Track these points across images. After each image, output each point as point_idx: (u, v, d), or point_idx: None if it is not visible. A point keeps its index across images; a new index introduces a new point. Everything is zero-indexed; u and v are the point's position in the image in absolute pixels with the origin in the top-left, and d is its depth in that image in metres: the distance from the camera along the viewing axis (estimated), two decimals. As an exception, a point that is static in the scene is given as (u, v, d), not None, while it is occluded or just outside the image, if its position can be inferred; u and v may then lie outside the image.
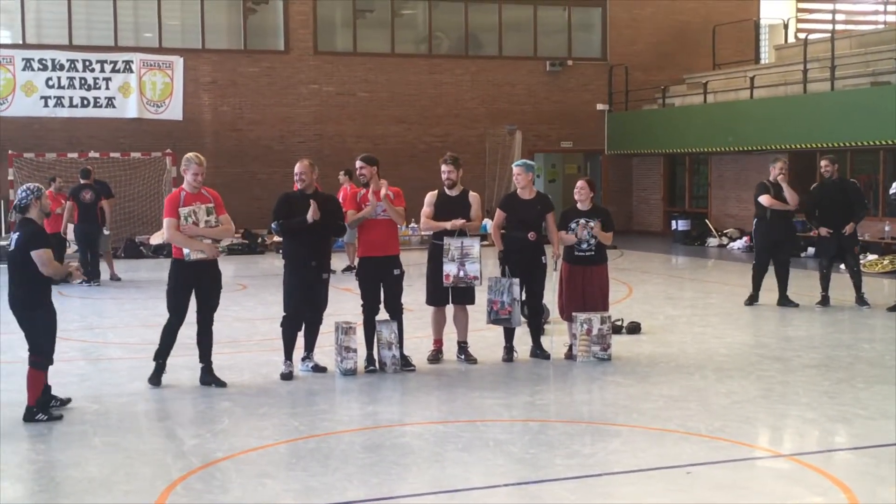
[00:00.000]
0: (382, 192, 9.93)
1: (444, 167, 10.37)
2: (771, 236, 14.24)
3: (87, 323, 13.78)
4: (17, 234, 8.27)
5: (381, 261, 10.07)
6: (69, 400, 8.69)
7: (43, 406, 8.29)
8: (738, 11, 28.85)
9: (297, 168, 9.92)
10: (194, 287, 9.48)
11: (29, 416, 8.22)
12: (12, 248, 8.26)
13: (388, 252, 10.11)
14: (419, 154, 26.42)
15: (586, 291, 10.52)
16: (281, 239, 10.67)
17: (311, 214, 9.63)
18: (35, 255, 8.18)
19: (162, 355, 9.57)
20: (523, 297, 10.64)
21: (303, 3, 26.00)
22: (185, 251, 9.31)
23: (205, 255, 9.35)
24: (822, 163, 14.20)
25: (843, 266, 15.15)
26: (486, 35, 27.99)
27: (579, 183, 10.64)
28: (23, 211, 8.37)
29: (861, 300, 14.01)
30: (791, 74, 23.22)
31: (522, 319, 10.80)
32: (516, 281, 10.32)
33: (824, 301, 14.12)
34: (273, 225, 10.07)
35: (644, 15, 28.89)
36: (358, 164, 10.19)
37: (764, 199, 14.06)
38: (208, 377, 9.59)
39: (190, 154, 9.65)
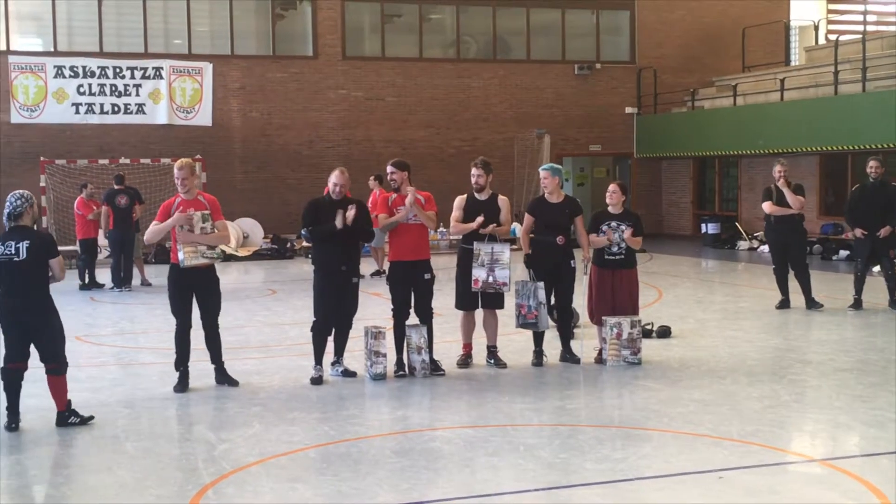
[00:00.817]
0: (409, 199, 9.92)
1: (473, 171, 10.36)
2: (779, 240, 14.21)
3: (119, 328, 13.88)
4: (25, 242, 8.08)
5: (412, 265, 10.07)
6: (91, 417, 8.46)
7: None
8: (768, 13, 28.70)
9: (336, 178, 9.89)
10: (193, 291, 9.56)
11: (61, 421, 8.25)
12: (24, 256, 8.05)
13: (418, 256, 10.11)
14: (448, 158, 26.44)
15: (616, 295, 10.48)
16: (310, 244, 10.69)
17: (339, 221, 9.65)
18: (55, 261, 8.17)
19: (181, 362, 9.63)
20: (552, 301, 10.62)
21: (331, 9, 26.08)
22: (180, 257, 9.36)
23: (198, 263, 9.38)
24: (871, 164, 13.96)
25: (875, 269, 15.01)
26: (514, 39, 27.97)
27: (611, 187, 10.60)
28: (17, 219, 8.20)
29: (894, 303, 13.87)
30: (822, 76, 23.06)
31: (551, 323, 10.78)
32: (541, 284, 10.29)
33: (857, 304, 13.99)
34: (302, 231, 10.10)
35: (673, 17, 28.79)
36: (389, 169, 10.22)
37: (765, 207, 14.11)
38: (222, 377, 9.75)
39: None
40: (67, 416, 8.26)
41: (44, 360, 8.27)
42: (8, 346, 8.28)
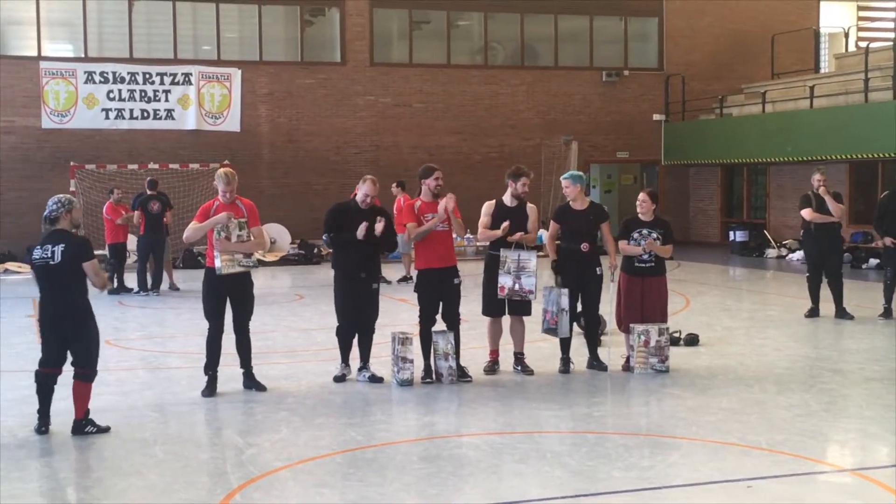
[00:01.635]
0: (451, 205, 9.93)
1: (525, 180, 10.30)
2: (817, 248, 14.04)
3: (148, 332, 13.96)
4: (60, 245, 8.07)
5: (442, 272, 10.08)
6: (108, 428, 8.37)
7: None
8: (798, 20, 28.56)
9: (368, 190, 9.94)
10: (227, 296, 9.62)
11: (78, 430, 8.19)
12: (58, 260, 8.04)
13: (448, 263, 10.13)
14: (475, 164, 26.44)
15: (645, 303, 10.44)
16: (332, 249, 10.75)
17: (361, 232, 9.71)
18: (88, 265, 8.12)
19: (211, 366, 9.69)
20: (579, 309, 10.61)
21: (359, 15, 26.16)
22: (217, 265, 9.41)
23: (235, 271, 9.45)
24: None
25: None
26: (541, 46, 27.96)
27: (641, 196, 10.56)
28: (52, 223, 8.20)
29: (924, 313, 13.74)
30: (852, 83, 22.91)
31: (578, 330, 10.76)
32: (565, 291, 10.28)
33: (886, 313, 13.88)
34: (324, 237, 10.18)
35: (701, 24, 28.69)
36: (438, 174, 10.19)
37: (805, 213, 13.95)
38: (250, 382, 9.81)
39: (220, 171, 9.83)
40: (84, 425, 8.21)
41: (75, 363, 8.28)
42: (45, 349, 8.31)
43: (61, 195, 8.46)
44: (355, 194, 10.15)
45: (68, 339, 8.22)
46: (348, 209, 10.05)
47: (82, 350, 8.24)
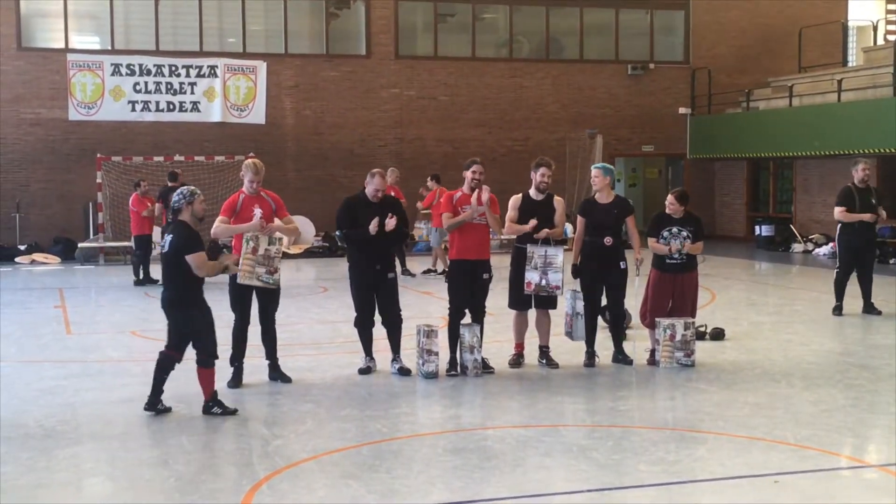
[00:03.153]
0: (485, 196, 9.94)
1: (543, 170, 10.31)
2: (855, 244, 13.80)
3: (173, 323, 14.00)
4: (170, 236, 8.47)
5: (474, 264, 10.09)
6: (235, 411, 8.61)
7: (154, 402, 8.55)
8: (825, 13, 28.34)
9: (378, 184, 10.02)
10: (253, 288, 9.66)
11: (205, 410, 8.49)
12: (166, 249, 8.46)
13: (481, 256, 10.14)
14: (499, 158, 26.38)
15: (676, 298, 10.41)
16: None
17: (373, 227, 9.75)
18: (190, 258, 8.36)
19: (237, 358, 9.75)
20: (604, 303, 10.59)
21: (384, 8, 26.15)
22: (237, 274, 9.45)
23: (252, 283, 9.47)
24: None
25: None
26: (567, 39, 27.88)
27: (669, 197, 10.49)
28: (176, 213, 8.56)
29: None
30: (880, 77, 22.73)
31: (603, 324, 10.76)
32: (580, 295, 10.35)
33: (914, 309, 13.77)
34: (337, 233, 10.25)
35: (728, 17, 28.53)
36: (477, 167, 10.20)
37: (839, 214, 13.66)
38: (275, 373, 9.87)
39: (249, 160, 9.97)
40: (210, 406, 8.50)
41: (167, 346, 8.60)
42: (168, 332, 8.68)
43: (185, 187, 8.75)
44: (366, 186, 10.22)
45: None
46: (358, 203, 10.10)
47: (174, 336, 8.56)
